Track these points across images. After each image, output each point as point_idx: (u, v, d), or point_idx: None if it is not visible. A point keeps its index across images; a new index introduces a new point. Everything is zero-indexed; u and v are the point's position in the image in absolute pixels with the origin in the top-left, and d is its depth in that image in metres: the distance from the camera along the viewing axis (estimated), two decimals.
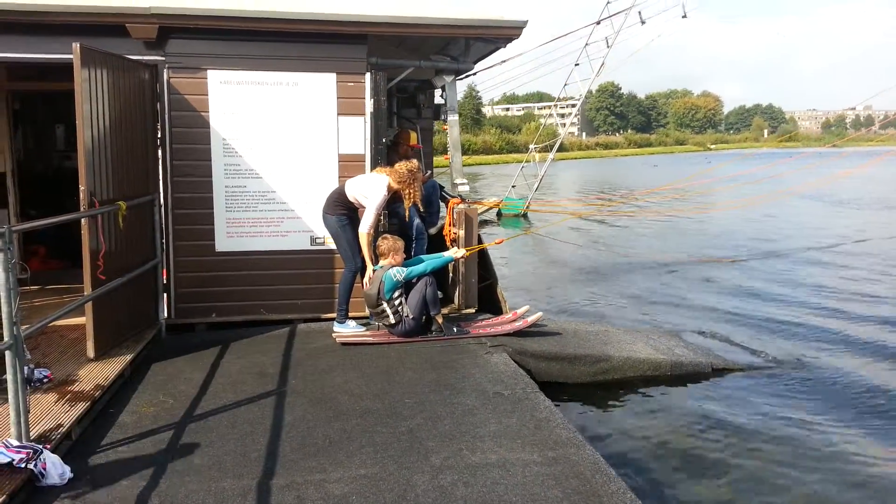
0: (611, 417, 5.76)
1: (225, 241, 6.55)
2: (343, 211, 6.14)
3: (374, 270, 6.07)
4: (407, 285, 6.03)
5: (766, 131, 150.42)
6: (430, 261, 6.30)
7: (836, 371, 7.01)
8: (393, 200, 6.35)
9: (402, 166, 6.11)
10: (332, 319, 6.34)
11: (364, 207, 6.08)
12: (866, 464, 5.04)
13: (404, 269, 6.06)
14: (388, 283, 5.96)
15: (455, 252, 6.57)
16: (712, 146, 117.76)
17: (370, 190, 6.06)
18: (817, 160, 26.25)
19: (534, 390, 4.90)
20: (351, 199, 6.12)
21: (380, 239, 6.24)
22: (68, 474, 3.56)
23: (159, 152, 6.35)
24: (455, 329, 6.21)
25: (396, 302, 5.99)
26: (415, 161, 6.31)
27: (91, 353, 5.14)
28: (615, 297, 10.64)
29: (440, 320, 6.16)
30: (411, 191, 6.11)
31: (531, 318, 6.48)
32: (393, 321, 6.02)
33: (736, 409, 5.90)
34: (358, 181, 6.19)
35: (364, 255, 6.09)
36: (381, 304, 6.00)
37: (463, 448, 3.96)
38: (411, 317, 6.00)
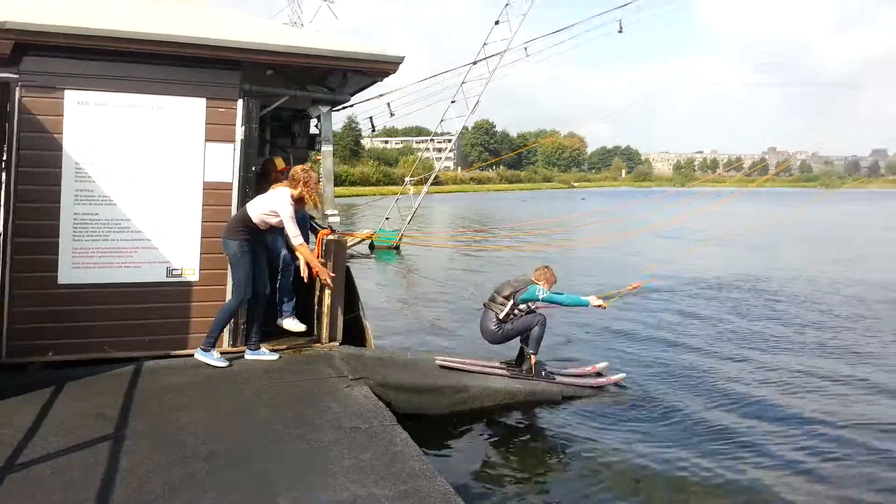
0: (467, 447, 5.88)
1: (69, 273, 6.07)
2: (245, 235, 6.02)
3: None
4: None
5: (623, 171, 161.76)
6: (570, 296, 7.15)
7: (684, 400, 7.33)
8: (264, 230, 6.23)
9: (295, 169, 6.25)
10: (184, 356, 6.06)
11: (271, 225, 6.11)
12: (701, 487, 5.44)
13: (549, 292, 6.82)
14: (530, 293, 6.74)
15: (596, 300, 7.13)
16: (576, 184, 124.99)
17: (276, 204, 6.03)
18: (678, 199, 28.44)
19: (391, 423, 4.90)
20: (256, 220, 6.02)
21: (543, 267, 7.10)
22: None
23: (3, 176, 5.84)
24: (543, 373, 6.78)
25: (517, 312, 6.72)
26: (308, 163, 6.41)
27: None
28: (477, 330, 10.86)
29: (534, 360, 6.73)
30: (308, 189, 6.15)
31: (615, 378, 7.22)
32: (502, 318, 6.73)
33: (585, 434, 6.18)
34: (260, 201, 6.14)
35: (314, 263, 6.34)
36: (509, 301, 6.72)
37: (314, 486, 3.89)
38: (509, 327, 6.77)
